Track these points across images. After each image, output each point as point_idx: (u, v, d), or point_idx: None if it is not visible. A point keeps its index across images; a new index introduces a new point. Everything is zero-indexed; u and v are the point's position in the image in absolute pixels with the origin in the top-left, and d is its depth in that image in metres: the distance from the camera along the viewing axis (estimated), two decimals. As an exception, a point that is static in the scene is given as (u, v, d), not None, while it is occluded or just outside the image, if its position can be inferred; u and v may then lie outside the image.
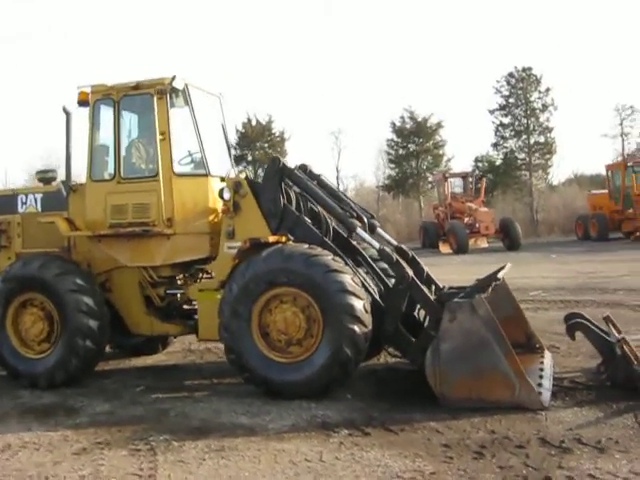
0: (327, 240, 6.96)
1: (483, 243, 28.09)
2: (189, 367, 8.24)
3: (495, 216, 28.33)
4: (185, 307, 7.96)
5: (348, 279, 6.33)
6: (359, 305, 6.26)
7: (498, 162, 43.08)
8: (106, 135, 7.72)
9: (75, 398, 6.82)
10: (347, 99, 71.91)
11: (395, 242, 7.60)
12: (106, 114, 7.67)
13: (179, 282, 7.87)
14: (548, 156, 41.50)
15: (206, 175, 7.47)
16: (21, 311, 7.42)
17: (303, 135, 73.80)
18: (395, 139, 45.72)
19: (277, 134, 46.48)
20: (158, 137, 7.24)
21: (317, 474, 4.51)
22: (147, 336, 8.14)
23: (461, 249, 25.92)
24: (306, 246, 6.60)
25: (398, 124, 45.26)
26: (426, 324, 7.00)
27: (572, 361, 7.38)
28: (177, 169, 7.33)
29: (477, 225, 27.46)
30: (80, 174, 7.85)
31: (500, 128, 42.05)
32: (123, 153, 7.51)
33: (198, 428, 5.62)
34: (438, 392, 5.92)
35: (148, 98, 7.37)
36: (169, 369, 8.15)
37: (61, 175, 8.35)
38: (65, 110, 7.58)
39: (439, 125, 44.25)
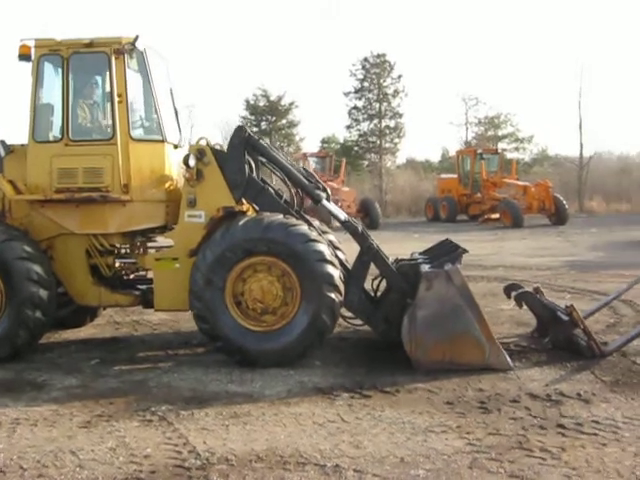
0: (291, 211, 7.04)
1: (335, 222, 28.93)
2: (130, 339, 7.95)
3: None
4: (130, 277, 7.69)
5: (326, 249, 6.49)
6: (336, 274, 6.45)
7: (349, 144, 44.50)
8: (51, 94, 7.22)
9: (30, 373, 6.40)
10: (200, 74, 70.40)
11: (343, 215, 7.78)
12: (52, 71, 7.19)
13: (124, 251, 7.56)
14: (397, 140, 43.58)
15: (163, 141, 7.23)
16: None
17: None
18: (248, 116, 45.67)
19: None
20: (115, 99, 6.89)
21: (350, 433, 4.68)
22: (86, 307, 7.76)
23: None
24: (281, 216, 6.65)
25: (252, 102, 45.24)
26: (380, 294, 7.36)
27: (502, 328, 8.02)
28: (134, 133, 7.03)
29: (339, 204, 28.24)
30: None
31: (354, 111, 43.45)
32: (72, 114, 7.05)
33: (194, 398, 5.54)
34: (413, 356, 6.27)
35: (102, 57, 6.99)
36: (109, 342, 7.82)
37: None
38: None
39: (293, 104, 44.83)
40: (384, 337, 6.98)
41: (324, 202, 7.11)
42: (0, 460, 4.28)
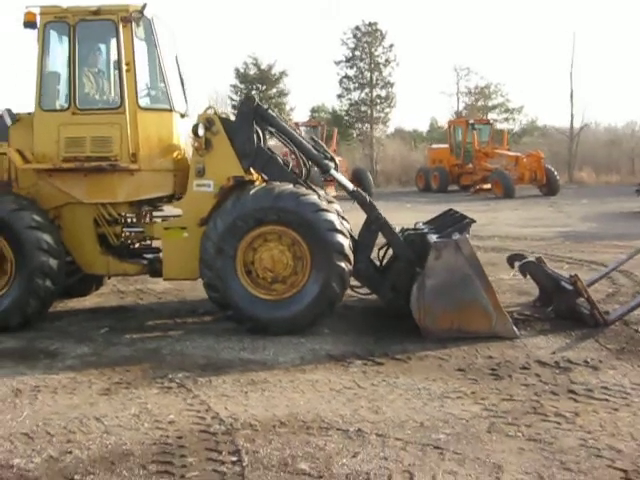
0: (300, 180, 7.07)
1: (332, 191, 28.97)
2: (137, 308, 8.01)
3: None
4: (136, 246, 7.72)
5: (336, 218, 6.55)
6: (346, 243, 6.52)
7: (339, 113, 44.31)
8: (58, 62, 7.17)
9: (41, 341, 6.44)
10: (189, 42, 69.35)
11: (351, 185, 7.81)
12: (58, 39, 7.12)
13: (130, 220, 7.57)
14: (388, 110, 43.45)
15: (170, 110, 7.21)
16: None
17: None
18: (238, 85, 45.28)
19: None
20: (124, 67, 6.85)
21: (368, 399, 4.78)
22: (92, 276, 7.79)
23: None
24: (291, 185, 6.68)
25: (242, 70, 44.82)
26: (386, 263, 7.44)
27: (504, 297, 8.08)
28: (142, 102, 6.99)
29: (332, 174, 28.20)
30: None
31: (345, 80, 43.22)
32: (78, 82, 6.99)
33: (209, 365, 5.62)
34: (422, 325, 6.37)
35: (110, 25, 6.93)
36: (117, 310, 7.87)
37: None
38: None
39: (283, 73, 44.49)
40: (391, 306, 7.07)
41: (332, 172, 7.15)
42: (26, 426, 4.34)
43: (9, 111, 7.12)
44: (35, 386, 5.13)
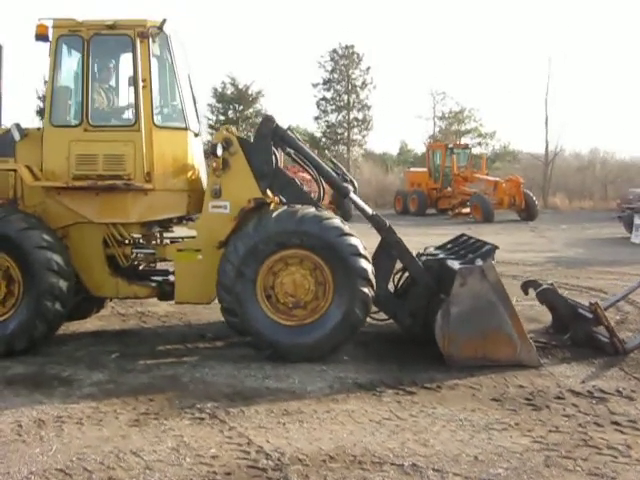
0: (319, 204, 6.94)
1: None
2: (142, 332, 7.73)
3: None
4: (145, 268, 7.48)
5: (359, 242, 6.40)
6: (370, 268, 6.37)
7: (316, 135, 44.39)
8: (70, 76, 6.95)
9: (52, 367, 6.15)
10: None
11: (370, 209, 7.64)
12: (71, 53, 6.91)
13: (138, 241, 7.33)
14: (365, 132, 43.65)
15: (186, 129, 7.03)
16: None
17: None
18: (215, 104, 45.11)
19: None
20: (139, 84, 6.66)
21: (412, 431, 4.62)
22: (94, 298, 7.51)
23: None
24: (313, 208, 6.53)
25: (219, 89, 44.70)
26: (400, 288, 7.31)
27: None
28: (157, 120, 6.80)
29: (313, 195, 28.12)
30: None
31: (322, 102, 43.32)
32: (91, 98, 6.77)
33: (235, 394, 5.40)
34: (446, 352, 6.23)
35: (126, 40, 6.73)
36: (122, 334, 7.59)
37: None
38: None
39: (259, 94, 44.42)
40: (409, 332, 6.95)
41: (352, 195, 7.02)
42: (60, 462, 4.08)
43: (18, 126, 6.85)
44: (57, 416, 4.86)
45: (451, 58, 69.23)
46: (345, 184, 7.05)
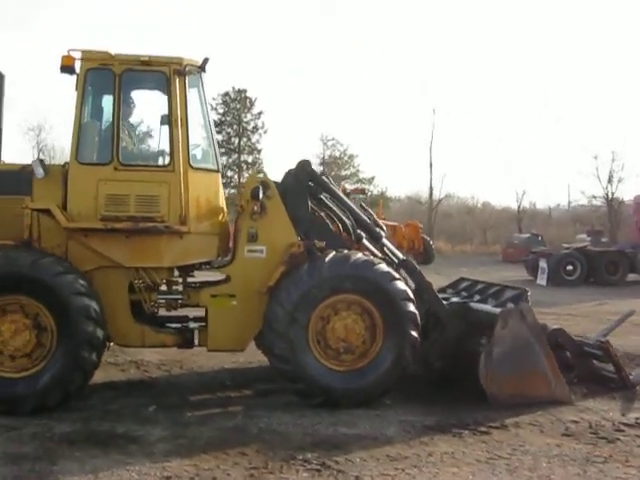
0: (353, 247, 6.96)
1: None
2: (155, 382, 7.32)
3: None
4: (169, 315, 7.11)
5: (407, 287, 6.49)
6: (418, 313, 6.46)
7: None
8: (98, 111, 6.61)
9: (98, 423, 5.67)
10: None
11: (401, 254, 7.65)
12: (101, 87, 6.58)
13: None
14: (255, 176, 43.68)
15: (217, 171, 6.87)
16: None
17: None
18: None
19: None
20: (176, 123, 6.43)
21: (527, 468, 4.78)
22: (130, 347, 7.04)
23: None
24: (361, 254, 6.55)
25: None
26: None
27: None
28: (192, 161, 6.58)
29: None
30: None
31: (212, 144, 43.01)
32: (122, 135, 6.46)
33: (321, 442, 5.26)
34: (489, 391, 6.43)
35: (161, 77, 6.51)
36: (136, 385, 7.16)
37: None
38: None
39: (147, 134, 43.38)
40: (439, 375, 7.07)
41: (384, 240, 7.11)
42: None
43: (42, 162, 6.37)
44: (166, 477, 4.50)
45: (342, 106, 70.83)
46: (377, 229, 7.13)
